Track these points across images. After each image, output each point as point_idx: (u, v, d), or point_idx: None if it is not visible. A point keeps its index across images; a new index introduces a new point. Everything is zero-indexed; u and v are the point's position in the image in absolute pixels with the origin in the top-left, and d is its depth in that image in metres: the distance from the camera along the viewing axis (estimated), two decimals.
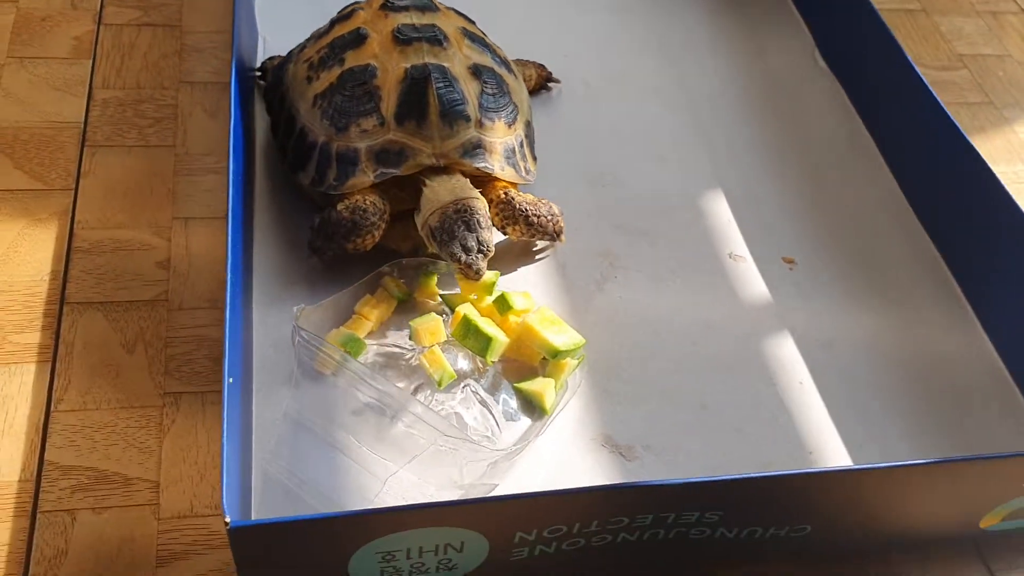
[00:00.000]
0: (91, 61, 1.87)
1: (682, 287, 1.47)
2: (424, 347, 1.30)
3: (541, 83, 1.75)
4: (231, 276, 1.12)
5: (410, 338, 1.33)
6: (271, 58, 1.82)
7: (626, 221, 1.58)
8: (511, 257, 1.51)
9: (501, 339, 1.29)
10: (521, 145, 1.47)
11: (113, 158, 1.59)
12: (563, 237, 1.48)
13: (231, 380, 1.11)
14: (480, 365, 1.35)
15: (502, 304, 1.34)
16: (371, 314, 1.47)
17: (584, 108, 1.76)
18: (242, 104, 1.59)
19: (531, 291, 1.40)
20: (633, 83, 1.82)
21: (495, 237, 1.37)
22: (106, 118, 1.65)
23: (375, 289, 1.39)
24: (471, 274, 1.30)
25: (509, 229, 1.58)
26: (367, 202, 1.50)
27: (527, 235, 1.49)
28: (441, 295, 1.40)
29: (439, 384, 1.38)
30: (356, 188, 1.52)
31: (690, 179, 1.65)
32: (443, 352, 1.28)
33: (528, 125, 1.51)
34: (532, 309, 1.34)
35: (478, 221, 1.34)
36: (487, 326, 1.29)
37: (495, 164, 1.44)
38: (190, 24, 1.99)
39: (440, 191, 1.49)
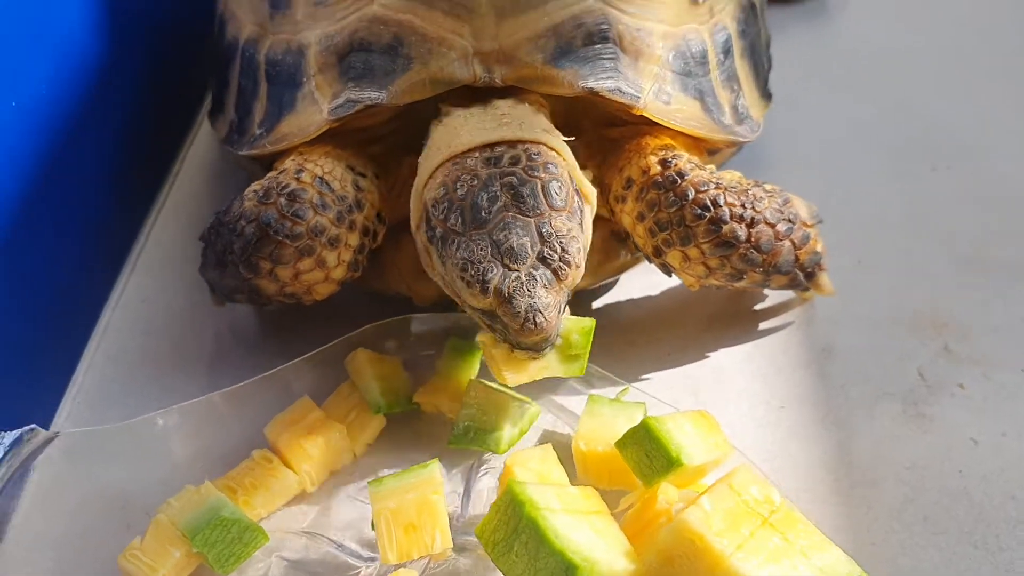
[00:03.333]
0: None
1: None
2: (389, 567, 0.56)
3: None
4: None
5: (373, 527, 0.58)
6: None
7: (993, 251, 0.82)
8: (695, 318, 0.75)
9: (611, 569, 0.50)
10: (726, 53, 0.73)
11: None
12: (825, 281, 0.69)
13: None
14: None
15: (648, 446, 0.58)
16: (302, 449, 0.63)
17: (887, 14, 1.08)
18: None
19: (735, 415, 0.68)
20: None
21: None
22: None
23: (330, 384, 0.68)
24: (521, 336, 0.58)
25: (672, 254, 0.65)
26: (306, 177, 0.65)
27: (719, 274, 0.67)
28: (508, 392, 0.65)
29: None
30: (296, 139, 0.66)
31: None
32: None
33: (751, 11, 0.79)
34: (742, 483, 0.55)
35: (543, 188, 0.60)
36: (575, 529, 0.51)
37: (640, 84, 0.66)
38: None
39: (462, 125, 0.63)
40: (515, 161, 0.59)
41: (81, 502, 0.61)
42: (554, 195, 0.58)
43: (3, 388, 0.68)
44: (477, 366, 0.67)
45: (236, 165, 0.81)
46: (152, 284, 0.78)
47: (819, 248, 0.67)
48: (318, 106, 0.65)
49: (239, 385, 0.65)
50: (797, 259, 0.66)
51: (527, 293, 0.56)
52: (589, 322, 0.62)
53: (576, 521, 0.53)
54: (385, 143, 0.69)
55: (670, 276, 0.68)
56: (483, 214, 0.58)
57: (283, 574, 0.58)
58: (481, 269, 0.56)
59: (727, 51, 0.71)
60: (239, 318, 0.74)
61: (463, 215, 0.58)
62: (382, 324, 0.68)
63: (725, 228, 0.63)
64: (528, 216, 0.58)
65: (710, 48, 0.69)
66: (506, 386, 0.65)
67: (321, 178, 0.64)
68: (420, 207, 0.62)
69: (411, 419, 0.67)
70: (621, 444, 0.59)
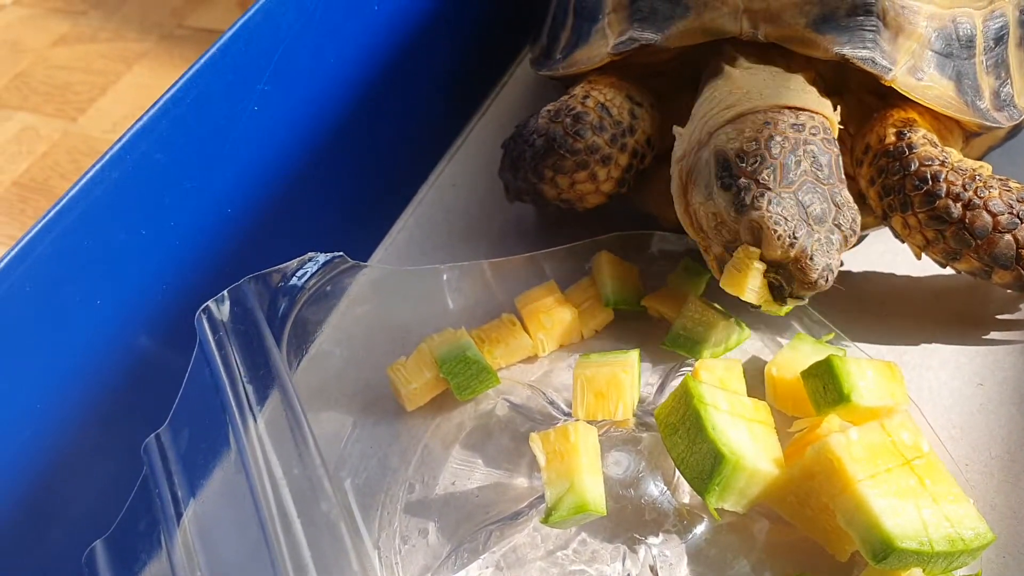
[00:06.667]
0: None
1: None
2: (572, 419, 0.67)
3: None
4: None
5: None
6: None
7: None
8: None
9: (755, 467, 0.59)
10: (997, 40, 0.73)
11: None
12: None
13: None
14: (685, 508, 0.65)
15: (827, 379, 0.64)
16: (540, 321, 0.75)
17: None
18: None
19: (933, 380, 0.72)
20: None
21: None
22: None
23: (572, 275, 0.79)
24: (804, 289, 0.64)
25: (895, 219, 0.70)
26: (590, 102, 0.75)
27: (936, 248, 0.70)
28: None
29: (548, 516, 0.59)
30: (584, 67, 0.77)
31: None
32: (624, 450, 0.67)
33: None
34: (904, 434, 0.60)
35: (835, 161, 0.65)
36: (733, 427, 0.60)
37: (894, 57, 0.69)
38: None
39: (745, 82, 0.69)
40: (815, 132, 0.65)
41: (374, 324, 0.77)
42: (841, 169, 0.65)
43: (339, 229, 0.88)
44: (703, 286, 0.75)
45: (547, 87, 0.94)
46: (462, 174, 0.92)
47: None
48: (606, 40, 0.75)
49: (505, 259, 0.78)
50: (1020, 257, 0.67)
51: (827, 254, 0.62)
52: None
53: (737, 423, 0.61)
54: (665, 79, 0.77)
55: (903, 242, 0.72)
56: (791, 175, 0.63)
57: (506, 413, 0.71)
58: (793, 226, 0.61)
59: (1000, 39, 0.71)
60: (523, 214, 0.87)
61: (775, 172, 0.63)
62: (628, 234, 0.78)
63: (939, 203, 0.66)
64: (823, 184, 0.63)
65: (979, 33, 0.70)
66: (724, 309, 0.74)
67: (603, 104, 0.74)
68: (693, 144, 0.68)
69: (637, 319, 0.76)
70: (805, 373, 0.66)
